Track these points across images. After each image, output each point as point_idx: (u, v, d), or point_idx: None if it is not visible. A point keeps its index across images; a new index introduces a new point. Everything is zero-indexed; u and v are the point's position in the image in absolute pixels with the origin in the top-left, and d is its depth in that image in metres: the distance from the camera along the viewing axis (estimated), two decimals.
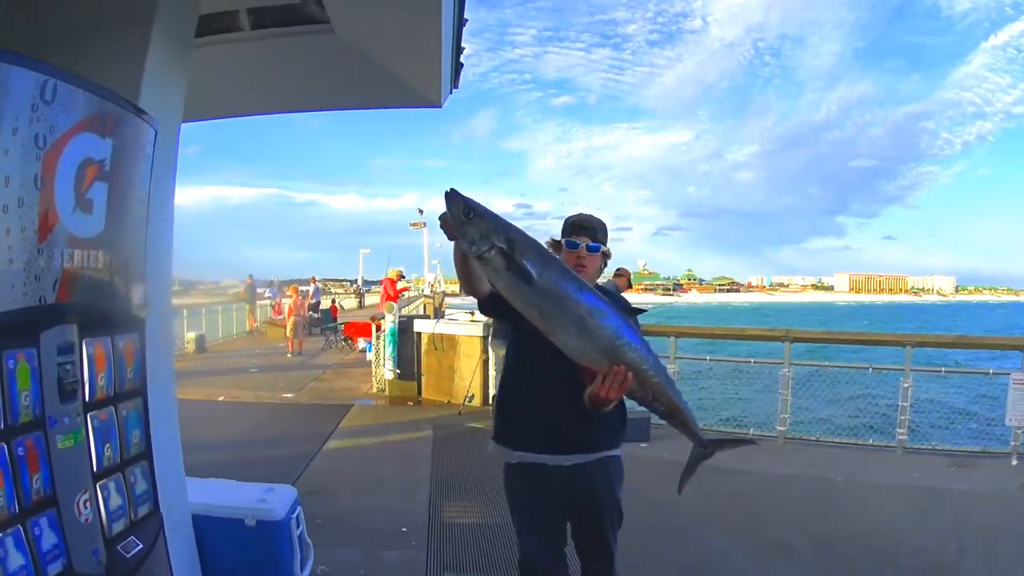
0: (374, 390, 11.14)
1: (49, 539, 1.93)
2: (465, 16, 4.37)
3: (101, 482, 2.22)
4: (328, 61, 4.25)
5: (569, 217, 3.01)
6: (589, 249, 2.87)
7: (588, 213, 3.03)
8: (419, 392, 10.64)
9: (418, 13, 3.63)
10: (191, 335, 16.86)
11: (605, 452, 2.90)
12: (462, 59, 4.93)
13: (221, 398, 10.49)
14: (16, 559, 1.80)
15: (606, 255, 2.96)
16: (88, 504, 2.11)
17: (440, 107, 5.20)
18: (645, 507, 5.42)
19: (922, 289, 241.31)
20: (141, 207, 2.52)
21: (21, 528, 1.83)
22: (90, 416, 2.19)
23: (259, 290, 23.64)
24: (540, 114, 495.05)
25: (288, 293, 19.42)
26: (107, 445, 2.27)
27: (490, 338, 9.75)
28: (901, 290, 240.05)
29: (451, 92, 5.18)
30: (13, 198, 1.79)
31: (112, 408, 2.32)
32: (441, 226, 2.49)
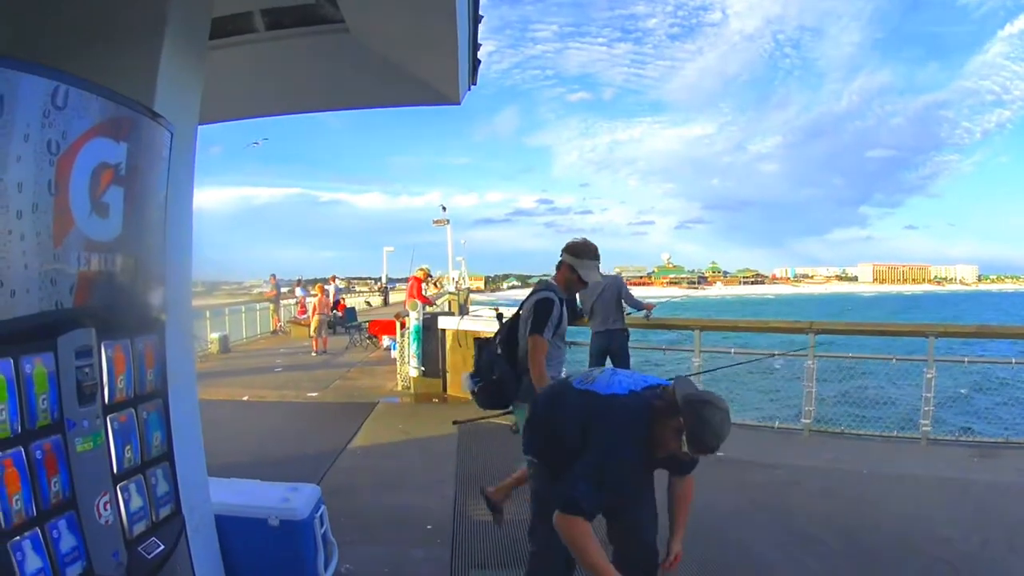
0: (399, 388, 11.12)
1: (68, 541, 1.94)
2: (480, 13, 4.35)
3: (121, 484, 2.23)
4: (344, 61, 4.26)
5: (714, 427, 2.70)
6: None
7: (729, 422, 2.75)
8: (444, 389, 10.61)
9: (432, 11, 3.61)
10: (215, 335, 16.97)
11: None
12: (479, 56, 4.91)
13: (245, 398, 10.53)
14: (34, 562, 1.81)
15: None
16: (108, 506, 2.13)
17: (459, 104, 5.18)
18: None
19: (944, 278, 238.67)
20: (159, 210, 2.53)
21: (39, 531, 1.85)
22: (110, 419, 2.20)
23: (283, 290, 23.72)
24: (563, 110, 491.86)
25: (313, 292, 19.51)
26: (127, 447, 2.28)
27: None
28: (924, 280, 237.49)
29: (469, 89, 5.16)
30: (27, 203, 1.81)
31: (132, 410, 2.33)
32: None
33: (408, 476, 6.46)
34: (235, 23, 3.83)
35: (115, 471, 2.21)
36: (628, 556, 3.07)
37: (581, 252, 4.32)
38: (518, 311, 4.48)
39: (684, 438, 2.68)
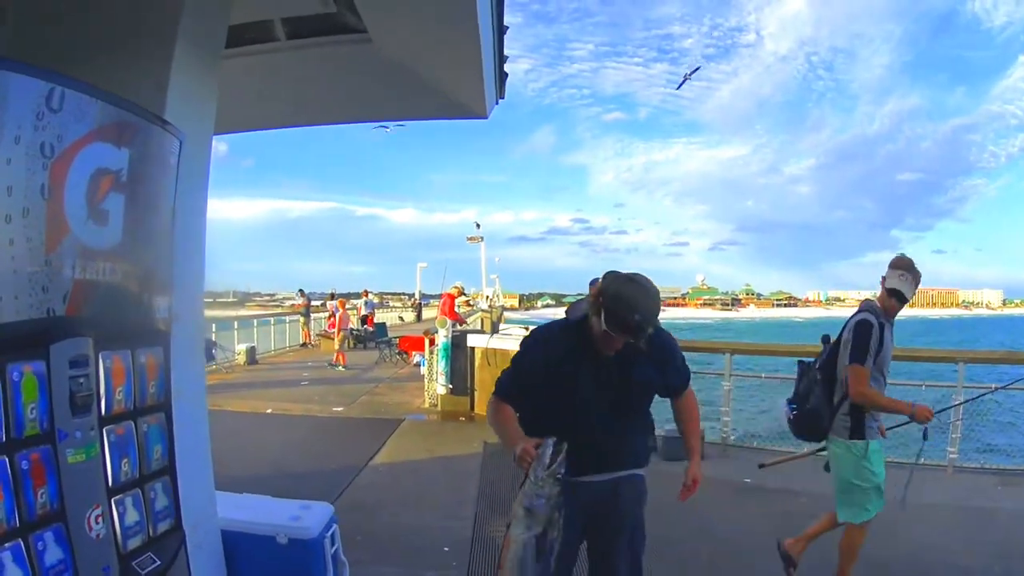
0: (426, 405, 11.08)
1: (54, 554, 1.89)
2: (505, 24, 4.28)
3: (117, 497, 2.17)
4: (367, 71, 4.24)
5: (621, 299, 2.64)
6: (626, 342, 2.71)
7: (643, 297, 2.66)
8: (472, 407, 10.51)
9: (454, 20, 3.56)
10: (242, 347, 17.08)
11: (632, 470, 3.01)
12: (506, 69, 4.85)
13: (269, 410, 10.57)
14: (14, 573, 1.75)
15: None
16: (100, 520, 2.07)
17: (486, 118, 5.13)
18: (693, 527, 5.25)
19: (972, 303, 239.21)
20: (165, 219, 2.49)
21: (22, 542, 1.79)
22: (106, 430, 2.14)
23: (315, 303, 23.79)
24: (599, 129, 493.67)
25: (349, 306, 19.56)
26: (124, 460, 2.22)
27: None
28: (952, 304, 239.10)
29: (497, 103, 5.10)
30: (17, 208, 1.76)
31: (131, 423, 2.28)
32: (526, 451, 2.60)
33: (429, 495, 6.40)
34: (255, 31, 3.81)
35: (110, 484, 2.15)
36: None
37: (898, 265, 4.15)
38: (841, 333, 4.19)
39: (603, 318, 2.65)
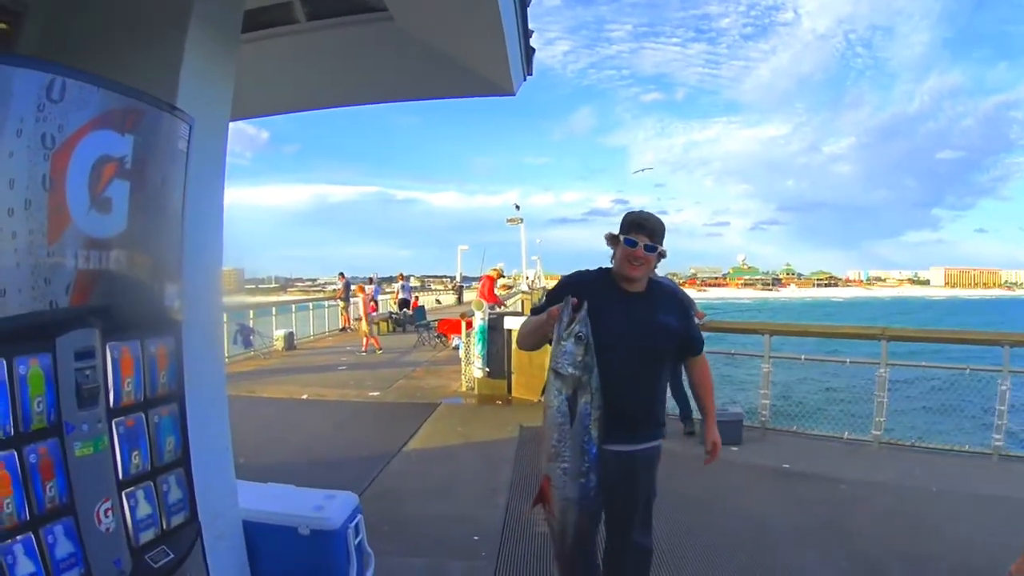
0: (463, 388, 11.01)
1: (64, 547, 1.87)
2: None
3: (128, 490, 2.15)
4: (390, 50, 4.19)
5: (630, 213, 3.15)
6: (647, 249, 3.02)
7: (649, 212, 3.15)
8: (509, 391, 10.44)
9: None
10: (280, 333, 17.19)
11: (651, 443, 3.15)
12: (533, 44, 4.74)
13: (304, 396, 10.56)
14: (25, 566, 1.74)
15: (662, 255, 3.07)
16: (110, 513, 2.04)
17: (514, 95, 5.03)
18: (730, 517, 5.14)
19: (1015, 283, 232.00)
20: (175, 205, 2.44)
21: (32, 536, 1.78)
22: (115, 423, 2.11)
23: (353, 287, 23.90)
24: (639, 110, 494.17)
25: (388, 290, 19.58)
26: (135, 452, 2.19)
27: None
28: (995, 284, 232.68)
29: (525, 79, 5.00)
30: (19, 200, 1.74)
31: (141, 414, 2.24)
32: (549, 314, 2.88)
33: (461, 483, 6.33)
34: (274, 14, 3.78)
35: (120, 477, 2.12)
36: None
37: None
38: None
39: (620, 237, 3.08)
